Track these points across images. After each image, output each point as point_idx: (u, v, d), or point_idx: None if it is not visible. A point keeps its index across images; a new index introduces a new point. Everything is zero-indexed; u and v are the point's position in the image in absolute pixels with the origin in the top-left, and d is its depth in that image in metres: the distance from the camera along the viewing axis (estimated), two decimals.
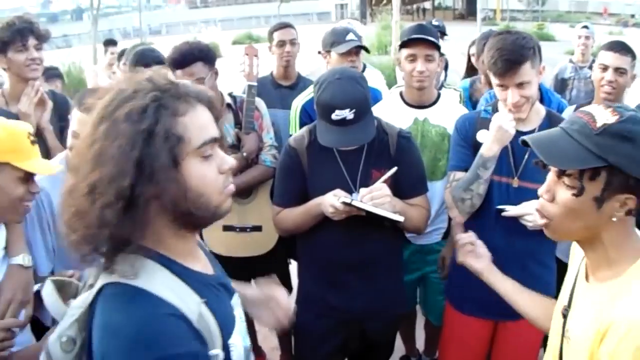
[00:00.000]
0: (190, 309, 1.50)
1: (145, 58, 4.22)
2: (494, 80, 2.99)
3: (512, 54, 2.88)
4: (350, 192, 2.96)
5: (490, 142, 2.95)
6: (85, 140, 1.52)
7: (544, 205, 1.85)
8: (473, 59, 5.82)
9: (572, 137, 1.73)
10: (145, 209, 1.48)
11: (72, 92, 7.84)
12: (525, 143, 1.86)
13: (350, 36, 4.21)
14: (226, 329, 1.61)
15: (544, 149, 1.78)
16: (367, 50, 4.46)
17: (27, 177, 2.42)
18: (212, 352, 1.54)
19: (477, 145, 3.09)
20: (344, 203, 2.81)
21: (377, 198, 2.84)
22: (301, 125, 3.88)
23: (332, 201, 2.85)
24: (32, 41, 3.51)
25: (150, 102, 1.48)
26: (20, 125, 2.51)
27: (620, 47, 3.84)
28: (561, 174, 1.77)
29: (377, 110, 3.38)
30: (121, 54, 5.97)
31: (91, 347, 1.51)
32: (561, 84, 6.79)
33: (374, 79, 5.00)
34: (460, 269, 3.35)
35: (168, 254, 1.58)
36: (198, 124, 1.55)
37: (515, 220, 2.93)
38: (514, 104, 2.92)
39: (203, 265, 1.72)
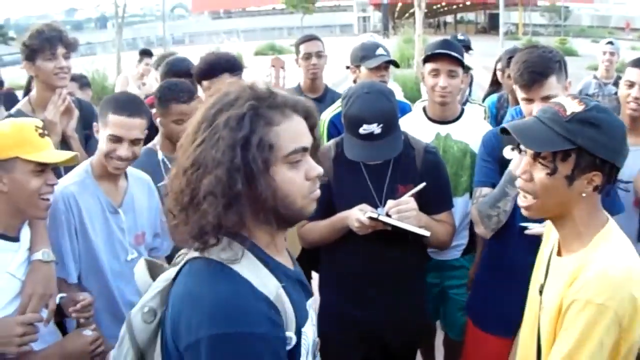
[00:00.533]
0: (269, 290, 1.61)
1: (175, 67, 4.25)
2: (520, 94, 2.98)
3: (538, 66, 2.90)
4: (375, 206, 2.96)
5: (519, 159, 2.93)
6: (188, 137, 1.68)
7: (525, 185, 2.08)
8: (499, 74, 5.82)
9: (545, 124, 1.98)
10: (242, 205, 1.61)
11: (95, 99, 7.89)
12: (505, 130, 2.11)
13: (380, 51, 4.21)
14: (300, 316, 1.70)
15: (522, 135, 2.03)
16: (396, 65, 4.47)
17: (42, 170, 2.45)
18: (287, 334, 1.63)
19: (503, 161, 3.07)
20: (371, 218, 2.81)
21: (403, 212, 2.84)
22: (329, 139, 3.88)
23: (358, 215, 2.85)
24: (60, 50, 3.52)
25: (247, 111, 1.61)
26: (27, 120, 2.56)
27: None
28: (537, 156, 2.01)
29: (400, 124, 3.38)
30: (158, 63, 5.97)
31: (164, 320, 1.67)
32: None
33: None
34: (483, 286, 3.34)
35: (255, 242, 1.71)
36: (290, 133, 1.67)
37: (539, 237, 2.90)
38: None
39: (285, 260, 1.82)
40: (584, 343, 1.87)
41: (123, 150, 2.87)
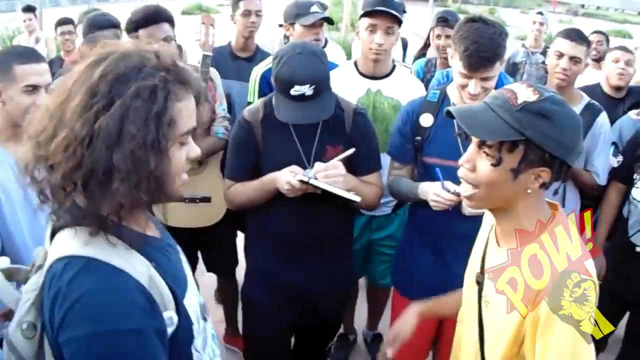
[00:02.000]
0: (141, 274, 1.52)
1: (98, 22, 4.12)
2: (460, 69, 2.90)
3: (489, 51, 2.81)
4: (304, 167, 2.91)
5: (424, 195, 2.97)
6: (80, 98, 1.49)
7: (467, 174, 1.93)
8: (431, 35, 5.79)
9: (494, 111, 1.83)
10: (150, 184, 1.52)
11: None
12: (449, 114, 1.95)
13: (315, 8, 4.18)
14: (179, 289, 1.65)
15: (467, 121, 1.87)
16: (331, 23, 4.44)
17: None
18: (166, 314, 1.56)
19: (419, 128, 3.12)
20: (301, 181, 2.78)
21: (331, 177, 2.82)
22: (260, 94, 3.83)
23: (289, 178, 2.80)
24: None
25: (159, 84, 1.52)
26: None
27: (577, 36, 3.86)
28: (482, 144, 1.86)
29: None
30: (79, 21, 5.91)
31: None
32: (512, 68, 6.84)
33: (336, 54, 4.96)
34: (407, 256, 3.35)
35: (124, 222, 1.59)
36: (188, 111, 1.61)
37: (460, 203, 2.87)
38: (474, 95, 2.88)
39: (152, 230, 1.75)
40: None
41: (43, 98, 2.67)
